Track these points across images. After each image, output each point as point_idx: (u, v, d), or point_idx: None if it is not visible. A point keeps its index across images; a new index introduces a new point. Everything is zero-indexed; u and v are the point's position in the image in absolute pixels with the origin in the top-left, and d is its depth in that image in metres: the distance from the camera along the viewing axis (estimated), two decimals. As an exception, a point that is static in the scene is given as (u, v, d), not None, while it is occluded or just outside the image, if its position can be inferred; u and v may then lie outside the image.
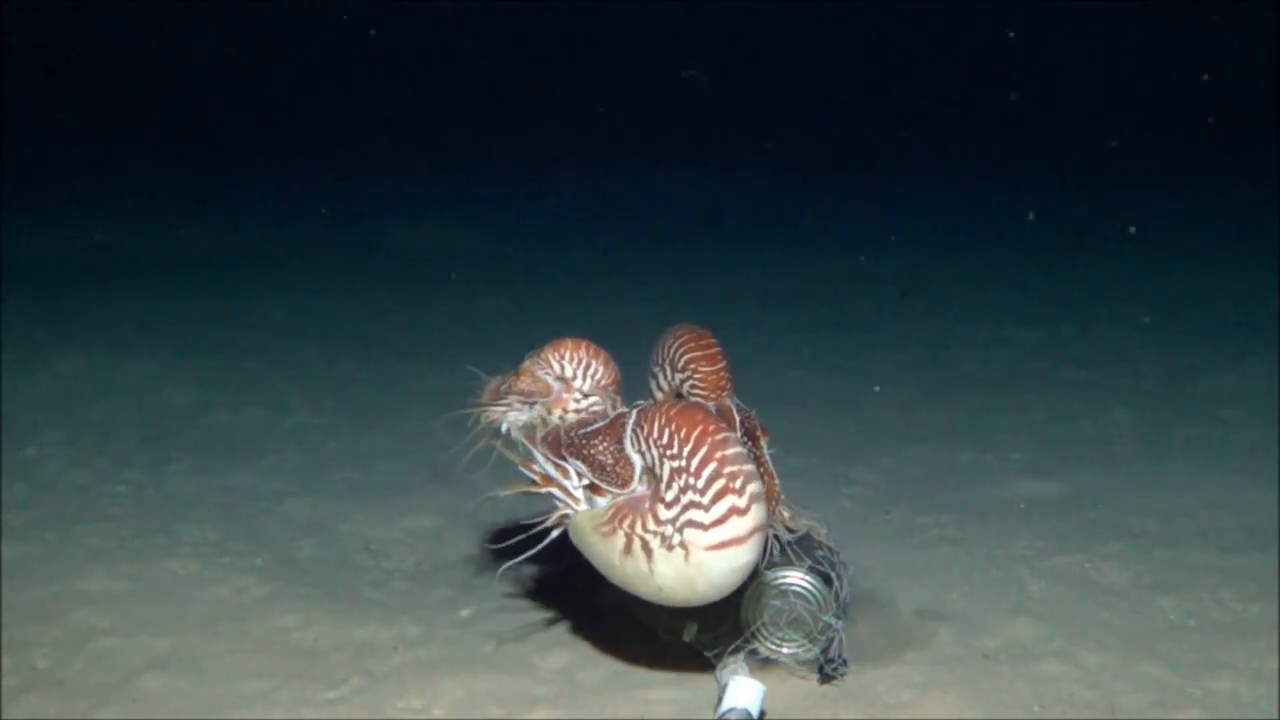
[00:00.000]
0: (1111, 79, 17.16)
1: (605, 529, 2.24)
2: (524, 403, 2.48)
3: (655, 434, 2.19)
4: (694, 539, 2.12)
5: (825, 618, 2.46)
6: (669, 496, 2.15)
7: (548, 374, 2.47)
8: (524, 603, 3.02)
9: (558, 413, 2.45)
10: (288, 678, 2.60)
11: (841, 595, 2.47)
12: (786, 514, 2.48)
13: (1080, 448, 4.30)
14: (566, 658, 2.67)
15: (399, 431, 4.51)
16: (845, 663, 2.50)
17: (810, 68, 18.23)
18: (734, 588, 2.19)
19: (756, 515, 2.10)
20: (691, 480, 2.12)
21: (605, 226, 10.08)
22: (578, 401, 2.45)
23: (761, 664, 2.50)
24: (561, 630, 2.82)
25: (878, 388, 5.16)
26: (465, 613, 2.95)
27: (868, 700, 2.46)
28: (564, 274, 7.88)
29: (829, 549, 2.50)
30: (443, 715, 2.45)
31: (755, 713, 2.29)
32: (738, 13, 19.94)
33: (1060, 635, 2.74)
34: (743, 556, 2.12)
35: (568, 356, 2.48)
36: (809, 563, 2.47)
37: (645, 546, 2.17)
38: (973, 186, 12.11)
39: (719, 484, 2.10)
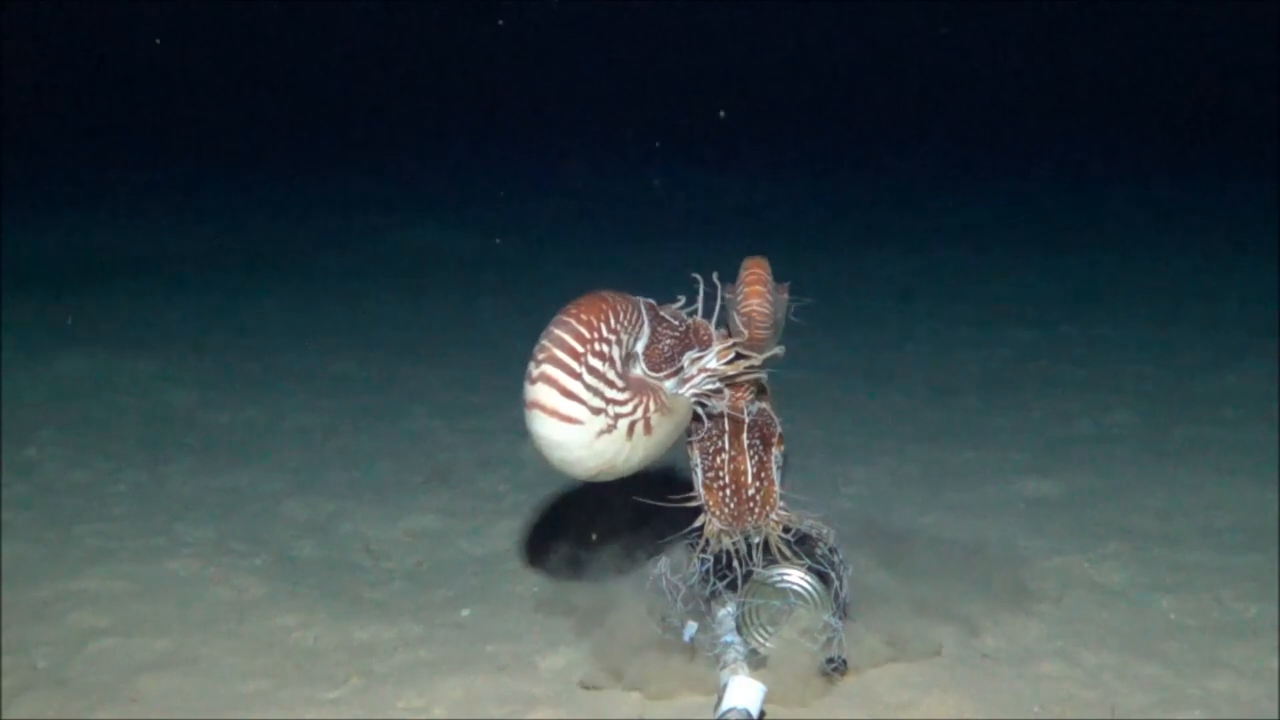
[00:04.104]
0: (1112, 76, 17.17)
1: None
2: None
3: None
4: None
5: (825, 618, 2.45)
6: None
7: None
8: (525, 602, 3.02)
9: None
10: (288, 678, 2.60)
11: (841, 595, 2.47)
12: (787, 515, 2.48)
13: (1080, 448, 4.29)
14: (566, 658, 2.67)
15: (399, 431, 4.52)
16: (845, 663, 2.50)
17: (810, 67, 18.24)
18: (549, 460, 2.18)
19: (539, 393, 2.11)
20: None
21: (606, 226, 10.08)
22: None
23: (762, 664, 2.50)
24: (562, 630, 2.82)
25: (876, 389, 5.16)
26: (465, 613, 2.95)
27: (868, 700, 2.45)
28: (564, 273, 7.87)
29: (829, 549, 2.50)
30: (443, 715, 2.45)
31: (755, 713, 2.29)
32: (740, 12, 19.96)
33: (1060, 635, 2.73)
34: (530, 421, 2.14)
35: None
36: (809, 563, 2.47)
37: None
38: (973, 186, 12.10)
39: (535, 348, 2.14)
